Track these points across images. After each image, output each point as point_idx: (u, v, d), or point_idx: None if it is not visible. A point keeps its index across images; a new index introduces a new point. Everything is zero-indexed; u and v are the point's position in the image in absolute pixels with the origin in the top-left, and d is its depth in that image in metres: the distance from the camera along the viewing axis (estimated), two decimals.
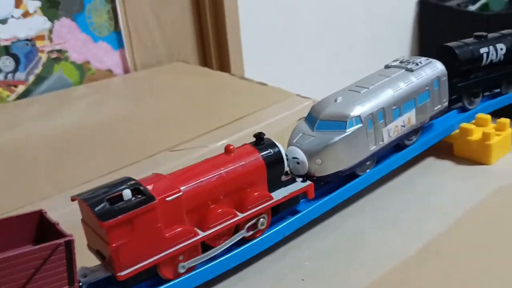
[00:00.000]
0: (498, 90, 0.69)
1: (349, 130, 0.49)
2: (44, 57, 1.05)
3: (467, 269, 0.43)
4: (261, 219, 0.46)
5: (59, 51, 1.07)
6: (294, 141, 0.50)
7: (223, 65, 1.27)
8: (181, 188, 0.41)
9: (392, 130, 0.54)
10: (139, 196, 0.39)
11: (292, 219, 0.49)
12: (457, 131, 0.61)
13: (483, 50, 0.65)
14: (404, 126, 0.55)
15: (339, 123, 0.49)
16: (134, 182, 0.40)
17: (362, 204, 0.54)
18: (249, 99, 0.92)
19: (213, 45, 1.25)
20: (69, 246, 0.35)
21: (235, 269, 0.45)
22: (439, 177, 0.59)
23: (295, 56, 1.49)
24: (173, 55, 1.23)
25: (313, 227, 0.51)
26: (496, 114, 0.65)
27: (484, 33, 0.67)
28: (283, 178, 0.48)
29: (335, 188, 0.52)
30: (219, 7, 1.21)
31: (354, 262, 0.46)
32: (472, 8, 1.72)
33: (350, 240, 0.49)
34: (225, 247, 0.44)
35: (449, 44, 0.65)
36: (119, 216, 0.37)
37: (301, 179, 0.49)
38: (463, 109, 0.66)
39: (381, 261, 0.45)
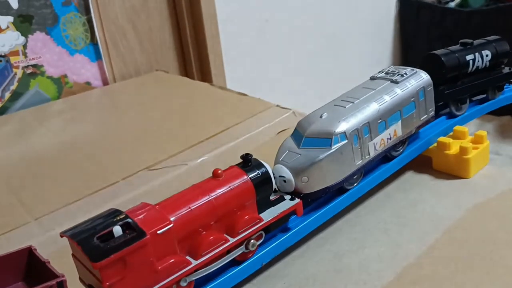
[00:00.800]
0: (484, 96, 0.70)
1: (334, 147, 0.49)
2: (19, 72, 1.03)
3: None
4: (252, 241, 0.46)
5: (34, 66, 1.05)
6: (281, 159, 0.50)
7: (204, 73, 1.26)
8: (171, 219, 0.41)
9: (378, 144, 0.54)
10: (130, 231, 0.38)
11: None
12: (435, 145, 0.61)
13: (469, 57, 0.66)
14: (390, 139, 0.55)
15: (325, 140, 0.50)
16: (123, 216, 0.39)
17: (339, 225, 0.54)
18: (228, 111, 0.91)
19: (192, 53, 1.24)
20: (61, 286, 0.36)
21: None
22: (417, 193, 0.58)
23: (277, 61, 1.48)
24: (152, 64, 1.21)
25: (291, 253, 0.50)
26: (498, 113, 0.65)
27: (469, 40, 0.67)
28: (272, 197, 0.48)
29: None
30: (197, 14, 1.20)
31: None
32: (452, 4, 1.72)
33: (329, 265, 0.48)
34: (216, 268, 0.44)
35: (435, 52, 0.65)
36: (112, 256, 0.37)
37: (289, 196, 0.49)
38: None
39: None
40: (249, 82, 1.37)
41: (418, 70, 0.59)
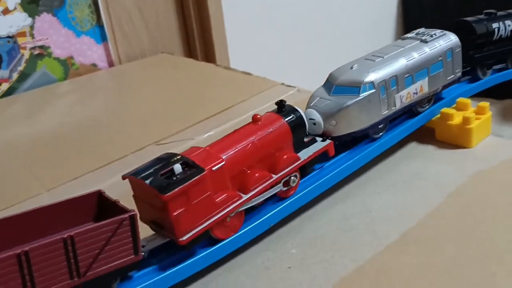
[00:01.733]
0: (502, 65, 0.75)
1: (362, 95, 0.53)
2: (26, 54, 1.04)
3: (445, 255, 0.44)
4: (292, 178, 0.50)
5: (41, 47, 1.06)
6: (312, 104, 0.54)
7: (208, 55, 1.27)
8: (223, 157, 0.45)
9: (405, 97, 0.57)
10: (189, 168, 0.42)
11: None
12: (438, 116, 0.62)
13: (494, 25, 0.70)
14: (416, 94, 0.58)
15: (354, 88, 0.53)
16: (180, 156, 0.43)
17: (348, 190, 0.55)
18: (234, 89, 0.92)
19: (197, 36, 1.25)
20: (133, 219, 0.39)
21: (224, 260, 0.46)
22: (422, 161, 0.60)
23: (281, 42, 1.49)
24: (157, 47, 1.22)
25: (300, 215, 0.52)
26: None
27: (493, 11, 0.72)
28: (305, 139, 0.52)
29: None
30: None
31: (339, 249, 0.47)
32: None
33: (336, 227, 0.50)
34: (264, 198, 0.48)
35: (466, 18, 0.70)
36: (177, 189, 0.40)
37: (320, 138, 0.53)
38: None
39: (364, 248, 0.46)
40: (253, 65, 1.38)
41: (447, 32, 0.62)
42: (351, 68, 0.55)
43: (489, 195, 0.52)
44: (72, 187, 0.65)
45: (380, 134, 0.58)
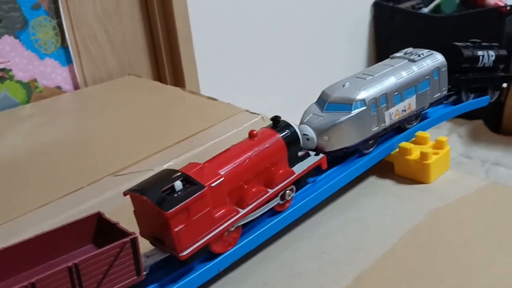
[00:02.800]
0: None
1: (354, 112, 0.55)
2: None
3: None
4: (288, 191, 0.51)
5: (2, 70, 1.03)
6: (305, 120, 0.56)
7: (177, 77, 1.26)
8: (221, 173, 0.45)
9: (394, 114, 0.59)
10: (189, 185, 0.43)
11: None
12: (397, 150, 0.62)
13: (480, 52, 0.74)
14: (405, 111, 0.61)
15: (346, 105, 0.55)
16: (180, 173, 0.44)
17: (300, 231, 0.54)
18: (198, 116, 0.91)
19: (165, 58, 1.24)
20: (134, 242, 0.40)
21: None
22: (380, 198, 0.59)
23: (250, 65, 1.49)
24: (124, 68, 1.21)
25: (250, 258, 0.51)
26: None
27: (478, 40, 0.76)
28: (299, 153, 0.54)
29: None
30: (170, 17, 1.20)
31: None
32: (425, 10, 1.75)
33: (288, 271, 0.49)
34: (261, 213, 0.50)
35: (455, 43, 0.73)
36: (178, 205, 0.42)
37: (314, 153, 0.54)
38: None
39: None
40: (222, 86, 1.37)
41: (434, 52, 0.65)
42: (343, 86, 0.57)
43: (443, 234, 0.51)
44: (26, 221, 0.63)
45: (370, 149, 0.60)
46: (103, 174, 0.73)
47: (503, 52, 0.78)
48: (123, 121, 0.94)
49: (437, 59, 0.64)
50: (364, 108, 0.55)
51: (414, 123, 0.65)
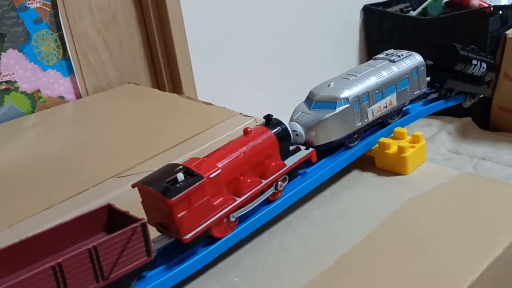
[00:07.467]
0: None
1: (338, 109, 0.60)
2: None
3: (372, 283, 0.48)
4: (279, 182, 0.57)
5: (8, 82, 1.08)
6: (294, 118, 0.61)
7: (175, 84, 1.31)
8: (219, 166, 0.51)
9: (376, 110, 0.65)
10: (190, 176, 0.48)
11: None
12: (377, 145, 0.67)
13: (474, 60, 0.78)
14: (386, 107, 0.66)
15: (330, 103, 0.60)
16: (182, 166, 0.49)
17: (288, 221, 0.59)
18: (194, 120, 0.96)
19: (163, 65, 1.29)
20: (144, 226, 0.45)
21: None
22: (361, 190, 0.64)
23: (245, 70, 1.54)
24: (123, 77, 1.26)
25: (243, 246, 0.56)
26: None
27: (476, 48, 0.80)
28: (291, 148, 0.59)
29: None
30: (166, 26, 1.25)
31: (278, 278, 0.50)
32: (413, 13, 1.80)
33: (276, 257, 0.54)
34: (258, 203, 0.55)
35: (455, 43, 0.76)
36: (180, 194, 0.47)
37: (304, 147, 0.60)
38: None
39: (301, 276, 0.50)
40: (218, 90, 1.42)
41: (413, 52, 0.70)
42: (328, 85, 0.62)
43: (417, 221, 0.56)
44: (33, 223, 0.68)
45: (355, 142, 0.65)
46: (106, 176, 0.78)
47: (492, 74, 0.83)
48: (123, 127, 0.99)
49: (416, 59, 0.69)
50: (348, 105, 0.61)
51: (396, 118, 0.70)
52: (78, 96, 1.19)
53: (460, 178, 0.64)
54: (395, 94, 0.67)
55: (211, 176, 0.50)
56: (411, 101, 0.70)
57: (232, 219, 0.52)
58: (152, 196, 0.48)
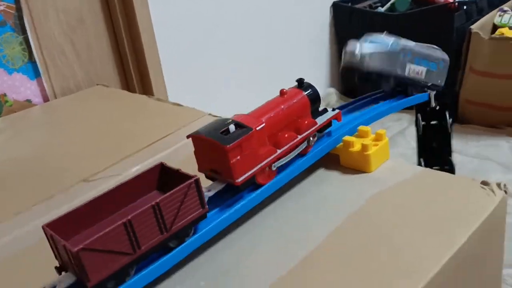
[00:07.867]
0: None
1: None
2: None
3: (336, 274, 0.50)
4: (311, 138, 0.64)
5: None
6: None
7: (145, 85, 1.30)
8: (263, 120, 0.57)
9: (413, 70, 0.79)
10: (240, 128, 0.55)
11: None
12: (342, 144, 0.68)
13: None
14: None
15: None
16: (231, 120, 0.56)
17: (256, 218, 0.60)
18: (163, 122, 0.96)
19: (132, 66, 1.28)
20: (197, 182, 0.50)
21: None
22: (327, 187, 0.65)
23: (214, 68, 1.54)
24: (92, 79, 1.25)
25: (211, 246, 0.56)
26: None
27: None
28: (320, 109, 0.65)
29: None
30: (134, 27, 1.25)
31: (246, 276, 0.51)
32: (382, 9, 1.83)
33: (245, 254, 0.54)
34: (295, 154, 0.62)
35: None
36: (235, 142, 0.53)
37: (331, 109, 0.66)
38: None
39: (268, 274, 0.51)
40: (189, 90, 1.42)
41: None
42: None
43: (380, 217, 0.58)
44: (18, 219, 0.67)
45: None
46: (74, 181, 0.77)
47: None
48: (91, 130, 0.98)
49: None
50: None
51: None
52: (46, 99, 1.18)
53: (423, 174, 0.65)
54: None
55: (258, 128, 0.56)
56: (376, 101, 0.78)
57: (273, 168, 0.59)
58: (207, 145, 0.55)
